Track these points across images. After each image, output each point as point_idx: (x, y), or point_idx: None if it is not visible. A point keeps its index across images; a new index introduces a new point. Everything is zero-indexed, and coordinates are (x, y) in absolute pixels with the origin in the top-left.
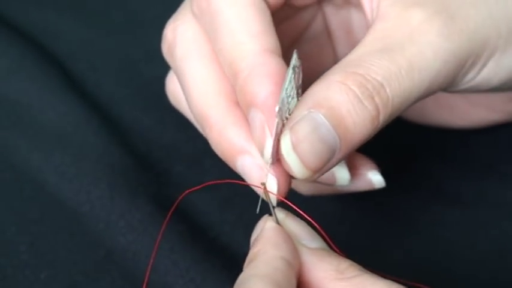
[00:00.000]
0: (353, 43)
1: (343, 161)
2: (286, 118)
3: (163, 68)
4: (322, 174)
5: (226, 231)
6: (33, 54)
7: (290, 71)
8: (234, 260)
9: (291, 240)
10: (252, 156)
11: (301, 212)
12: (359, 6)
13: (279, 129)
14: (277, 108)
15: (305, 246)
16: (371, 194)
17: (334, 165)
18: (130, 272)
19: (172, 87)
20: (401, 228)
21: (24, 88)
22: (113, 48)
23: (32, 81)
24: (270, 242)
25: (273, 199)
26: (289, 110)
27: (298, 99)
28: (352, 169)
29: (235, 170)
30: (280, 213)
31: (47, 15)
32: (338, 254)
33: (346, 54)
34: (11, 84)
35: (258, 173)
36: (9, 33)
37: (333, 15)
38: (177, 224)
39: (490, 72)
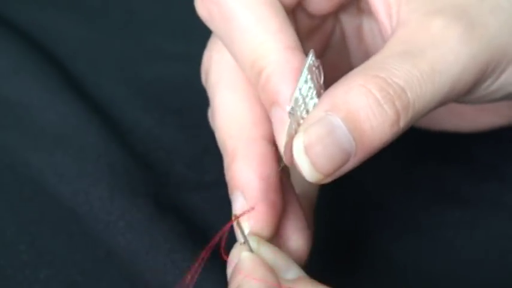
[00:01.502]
0: (365, 52)
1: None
2: (303, 118)
3: (163, 68)
4: (335, 178)
5: (226, 231)
6: (33, 54)
7: (305, 71)
8: None
9: (271, 270)
10: (241, 196)
11: None
12: (370, 15)
13: (293, 130)
14: (288, 108)
15: (282, 278)
16: (370, 194)
17: (349, 170)
18: (130, 272)
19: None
20: (401, 228)
21: (24, 88)
22: (113, 48)
23: (32, 82)
24: (252, 272)
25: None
26: (308, 111)
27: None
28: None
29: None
30: (253, 241)
31: (47, 15)
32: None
33: (359, 63)
34: (11, 85)
35: (238, 211)
36: (9, 34)
37: (348, 24)
38: (176, 224)
39: (508, 78)
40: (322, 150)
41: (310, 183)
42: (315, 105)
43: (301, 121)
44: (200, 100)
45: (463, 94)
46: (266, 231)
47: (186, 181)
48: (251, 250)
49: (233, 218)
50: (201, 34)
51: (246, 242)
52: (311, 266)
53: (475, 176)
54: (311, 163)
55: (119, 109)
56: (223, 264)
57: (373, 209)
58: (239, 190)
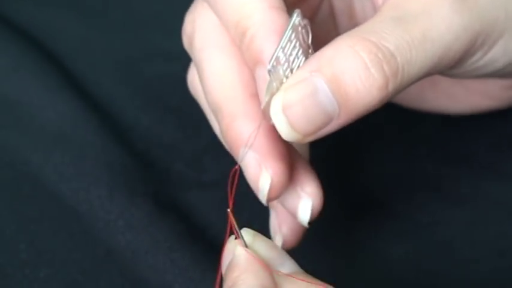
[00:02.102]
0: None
1: (310, 204)
2: (287, 77)
3: (163, 67)
4: (317, 138)
5: (226, 230)
6: (32, 53)
7: (289, 29)
8: None
9: (266, 267)
10: (251, 151)
11: None
12: None
13: (274, 89)
14: (269, 67)
15: (277, 273)
16: (370, 194)
17: (333, 131)
18: (129, 270)
19: (192, 76)
20: (401, 228)
21: (24, 87)
22: (112, 47)
23: (31, 81)
24: (247, 270)
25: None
26: (292, 70)
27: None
28: (294, 184)
29: (238, 162)
30: (247, 235)
31: (47, 14)
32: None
33: None
34: (10, 84)
35: (254, 168)
36: (8, 32)
37: (338, 0)
38: (176, 222)
39: (496, 53)
40: (301, 110)
41: (299, 145)
42: (300, 65)
43: (285, 80)
44: None
45: (453, 65)
46: (283, 179)
47: (185, 180)
48: (245, 245)
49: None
50: None
51: (240, 236)
52: (309, 265)
53: (474, 176)
54: (288, 122)
55: (118, 108)
56: None
57: (372, 208)
58: (247, 146)
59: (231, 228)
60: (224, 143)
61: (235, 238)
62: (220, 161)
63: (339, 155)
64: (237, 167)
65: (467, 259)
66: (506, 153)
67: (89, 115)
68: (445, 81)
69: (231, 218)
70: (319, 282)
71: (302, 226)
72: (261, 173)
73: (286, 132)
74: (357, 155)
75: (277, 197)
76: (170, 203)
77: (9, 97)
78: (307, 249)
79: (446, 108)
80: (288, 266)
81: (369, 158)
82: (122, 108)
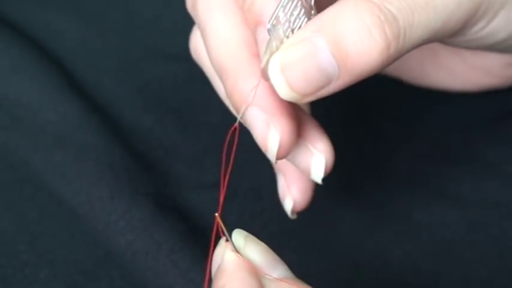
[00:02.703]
0: None
1: (324, 160)
2: (288, 37)
3: (163, 68)
4: (317, 98)
5: (217, 233)
6: (32, 53)
7: None
8: None
9: (255, 272)
10: (258, 110)
11: None
12: None
13: (274, 48)
14: (269, 26)
15: (267, 278)
16: (370, 194)
17: (331, 93)
18: (129, 271)
19: (195, 41)
20: (401, 228)
21: (24, 88)
22: (113, 48)
23: (31, 81)
24: (235, 278)
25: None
26: (293, 31)
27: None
28: (303, 139)
29: (242, 122)
30: (239, 237)
31: (47, 14)
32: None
33: None
34: (10, 84)
35: (262, 126)
36: (8, 33)
37: None
38: (177, 224)
39: (499, 24)
40: (300, 70)
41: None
42: (301, 25)
43: (285, 40)
44: (200, 100)
45: (454, 33)
46: (291, 137)
47: (186, 181)
48: (235, 249)
49: (217, 215)
50: None
51: (230, 240)
52: (309, 265)
53: (475, 176)
54: (286, 82)
55: (119, 109)
56: None
57: (373, 208)
58: (253, 106)
59: (217, 231)
60: (229, 105)
61: (226, 241)
62: (221, 162)
63: (338, 154)
64: (236, 124)
65: (467, 260)
66: (507, 153)
67: (89, 116)
68: (446, 56)
69: (219, 221)
70: (307, 287)
71: (311, 187)
72: (269, 131)
73: (284, 92)
74: (357, 155)
75: (286, 155)
76: (171, 204)
77: (9, 97)
78: (306, 250)
79: (447, 84)
80: (279, 270)
81: (368, 158)
82: (122, 109)
